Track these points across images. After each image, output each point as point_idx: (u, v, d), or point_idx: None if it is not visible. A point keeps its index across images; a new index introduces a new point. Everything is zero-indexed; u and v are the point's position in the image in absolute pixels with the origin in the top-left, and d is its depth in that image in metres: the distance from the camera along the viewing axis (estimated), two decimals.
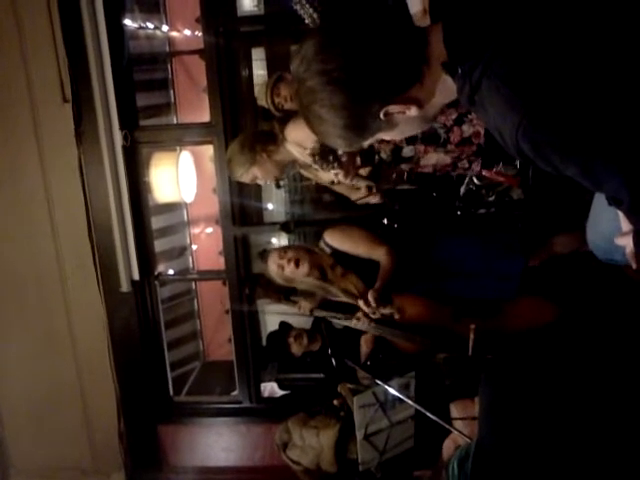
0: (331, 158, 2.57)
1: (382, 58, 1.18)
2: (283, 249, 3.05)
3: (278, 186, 3.13)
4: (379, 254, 2.93)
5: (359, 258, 3.00)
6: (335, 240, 3.02)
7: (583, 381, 1.32)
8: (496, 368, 1.46)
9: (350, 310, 3.41)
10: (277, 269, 3.01)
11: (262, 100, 3.79)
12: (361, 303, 2.86)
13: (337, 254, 3.05)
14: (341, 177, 2.58)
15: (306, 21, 3.26)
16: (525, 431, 1.31)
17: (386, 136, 1.35)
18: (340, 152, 2.55)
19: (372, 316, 2.88)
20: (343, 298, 3.05)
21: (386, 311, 2.93)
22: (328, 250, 3.07)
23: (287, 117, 2.99)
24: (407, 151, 2.76)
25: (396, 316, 3.06)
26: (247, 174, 2.95)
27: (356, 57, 1.17)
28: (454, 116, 2.59)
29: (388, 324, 3.32)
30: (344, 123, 1.24)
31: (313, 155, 2.84)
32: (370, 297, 2.79)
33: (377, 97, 1.21)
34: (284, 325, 3.94)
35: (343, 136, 1.28)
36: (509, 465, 1.32)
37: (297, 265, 2.95)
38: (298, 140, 2.83)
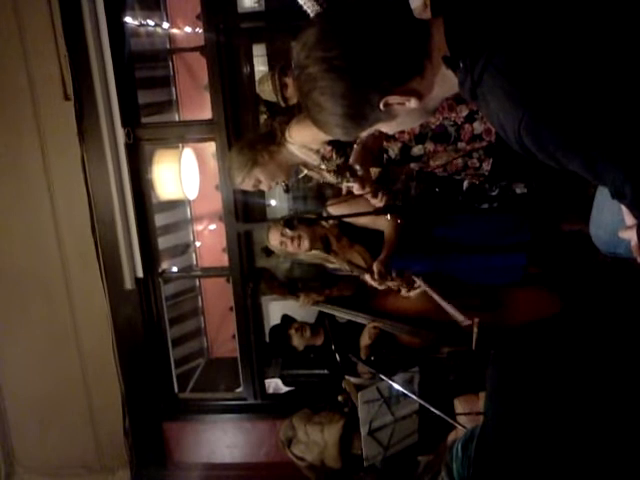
0: (348, 174, 2.55)
1: (383, 48, 1.18)
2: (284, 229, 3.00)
3: (287, 190, 3.07)
4: (383, 222, 2.92)
5: (365, 231, 3.00)
6: (339, 210, 3.00)
7: (592, 366, 1.32)
8: (504, 350, 1.45)
9: (353, 305, 3.42)
10: (279, 245, 3.03)
11: (266, 89, 3.74)
12: (368, 277, 2.87)
13: (342, 225, 3.05)
14: (355, 190, 2.56)
15: (311, 17, 3.25)
16: (532, 414, 1.31)
17: (385, 127, 1.35)
18: (357, 167, 2.53)
19: (379, 287, 2.88)
20: (347, 269, 3.06)
21: (393, 284, 2.94)
22: (331, 221, 3.07)
23: (288, 118, 2.96)
24: (416, 150, 2.74)
25: (404, 291, 3.05)
26: (249, 177, 2.82)
27: (358, 46, 1.17)
28: (465, 113, 2.56)
29: (391, 317, 3.33)
30: (343, 112, 1.24)
31: (323, 160, 2.83)
32: (375, 268, 2.80)
33: (377, 87, 1.21)
34: (286, 318, 3.95)
35: (341, 125, 1.28)
36: (514, 448, 1.32)
37: (299, 243, 2.97)
38: (304, 142, 2.80)
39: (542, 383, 1.33)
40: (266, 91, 3.85)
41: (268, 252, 3.28)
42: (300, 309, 3.63)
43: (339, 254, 3.09)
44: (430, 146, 2.70)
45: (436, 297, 2.89)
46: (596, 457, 1.23)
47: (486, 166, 2.77)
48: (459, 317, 2.85)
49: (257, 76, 4.20)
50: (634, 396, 1.25)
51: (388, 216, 2.92)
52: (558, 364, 1.33)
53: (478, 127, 2.60)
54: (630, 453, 1.22)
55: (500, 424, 1.35)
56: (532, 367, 1.36)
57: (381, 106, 1.23)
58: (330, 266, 3.20)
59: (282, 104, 3.77)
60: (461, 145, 2.66)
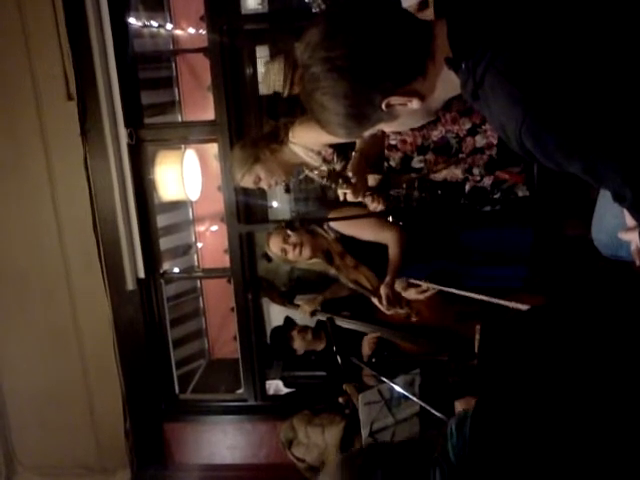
0: (341, 180, 2.56)
1: (387, 49, 1.18)
2: (286, 233, 2.99)
3: (287, 190, 3.08)
4: (387, 237, 2.88)
5: (369, 249, 2.98)
6: (340, 224, 2.99)
7: (584, 346, 1.31)
8: (495, 330, 1.44)
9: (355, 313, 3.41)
10: (280, 253, 3.01)
11: (275, 70, 3.70)
12: (376, 301, 2.85)
13: (344, 241, 3.03)
14: (349, 197, 2.56)
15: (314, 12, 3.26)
16: (527, 392, 1.30)
17: (387, 127, 1.35)
18: (350, 174, 2.53)
19: (387, 313, 2.87)
20: (352, 287, 3.05)
21: (402, 311, 2.92)
22: (333, 234, 3.05)
23: (292, 118, 2.96)
24: (416, 162, 2.74)
25: (413, 318, 3.05)
26: (250, 173, 2.83)
27: (361, 46, 1.17)
28: (468, 126, 2.56)
29: (392, 327, 3.33)
30: (345, 112, 1.24)
31: (323, 161, 2.83)
32: (382, 292, 2.78)
33: (379, 88, 1.21)
34: (289, 320, 3.94)
35: (344, 125, 1.29)
36: (509, 427, 1.31)
37: (300, 251, 2.95)
38: (306, 143, 2.81)
39: (538, 361, 1.32)
40: (273, 72, 3.77)
41: (269, 258, 3.28)
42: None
43: (342, 271, 3.07)
44: (431, 158, 2.70)
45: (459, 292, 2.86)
46: (587, 433, 1.23)
47: (487, 180, 2.77)
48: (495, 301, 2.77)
49: (260, 78, 4.20)
50: (625, 379, 1.24)
51: (390, 218, 2.92)
52: (549, 344, 1.33)
53: (480, 140, 2.60)
54: (621, 431, 1.21)
55: (495, 399, 1.34)
56: (528, 345, 1.35)
57: (383, 106, 1.23)
58: (332, 272, 3.19)
59: (285, 92, 3.72)
60: (461, 157, 2.67)
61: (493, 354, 1.38)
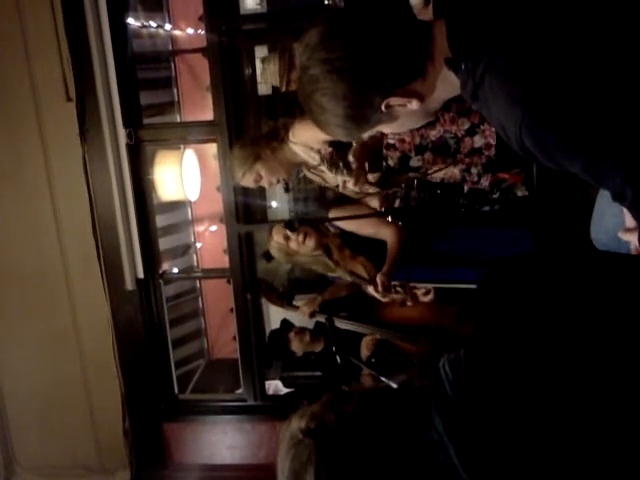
0: (341, 164, 2.57)
1: (386, 50, 1.18)
2: (286, 233, 3.00)
3: (287, 189, 3.08)
4: (386, 233, 2.91)
5: (367, 241, 2.99)
6: (341, 220, 3.00)
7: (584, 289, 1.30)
8: (496, 271, 1.43)
9: (353, 314, 3.41)
10: (283, 241, 3.01)
11: (271, 69, 3.70)
12: (371, 289, 2.87)
13: (344, 236, 3.04)
14: (350, 185, 2.58)
15: (326, 1, 3.27)
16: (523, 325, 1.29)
17: (386, 128, 1.36)
18: (350, 159, 2.55)
19: (383, 300, 2.88)
20: (349, 279, 3.06)
21: (397, 297, 2.94)
22: (333, 230, 3.06)
23: (291, 119, 2.97)
24: (415, 161, 2.75)
25: (409, 303, 3.06)
26: (250, 171, 2.85)
27: (360, 48, 1.18)
28: (466, 126, 2.57)
29: (392, 327, 3.33)
30: (345, 113, 1.25)
31: (322, 160, 2.84)
32: (379, 280, 2.80)
33: (379, 89, 1.21)
34: (286, 323, 3.94)
35: (343, 126, 1.29)
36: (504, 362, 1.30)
37: (304, 239, 2.95)
38: (305, 141, 2.82)
39: (535, 302, 1.30)
40: (270, 71, 3.78)
41: (268, 257, 3.28)
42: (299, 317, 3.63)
43: (340, 264, 3.08)
44: (429, 157, 2.71)
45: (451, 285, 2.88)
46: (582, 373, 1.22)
47: (484, 181, 2.78)
48: None
49: (259, 78, 4.21)
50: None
51: (389, 218, 2.93)
52: (551, 287, 1.31)
53: (478, 141, 2.61)
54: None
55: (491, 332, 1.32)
56: (525, 286, 1.33)
57: (382, 107, 1.24)
58: (330, 274, 3.19)
59: (282, 87, 3.73)
60: (459, 157, 2.68)
61: (493, 288, 1.36)
